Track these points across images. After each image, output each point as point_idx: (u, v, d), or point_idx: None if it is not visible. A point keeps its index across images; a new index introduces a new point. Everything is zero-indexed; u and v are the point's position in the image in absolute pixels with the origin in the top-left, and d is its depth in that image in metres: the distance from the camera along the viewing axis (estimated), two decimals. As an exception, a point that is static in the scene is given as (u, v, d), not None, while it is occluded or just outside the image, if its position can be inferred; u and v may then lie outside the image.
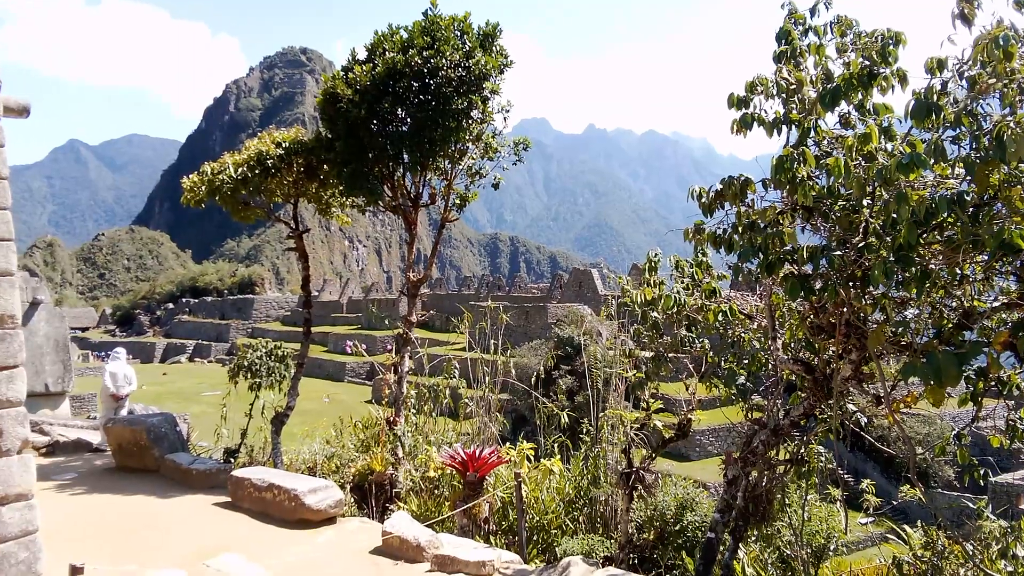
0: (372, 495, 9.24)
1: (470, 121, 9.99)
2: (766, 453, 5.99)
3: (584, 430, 9.49)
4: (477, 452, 8.00)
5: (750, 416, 6.39)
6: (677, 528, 7.80)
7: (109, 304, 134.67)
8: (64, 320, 16.41)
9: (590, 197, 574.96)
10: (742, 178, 4.80)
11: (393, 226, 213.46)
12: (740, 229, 4.85)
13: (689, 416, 7.22)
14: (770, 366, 6.28)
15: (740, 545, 6.75)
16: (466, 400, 10.70)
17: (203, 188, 10.54)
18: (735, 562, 6.83)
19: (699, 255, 6.11)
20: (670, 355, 6.70)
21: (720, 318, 5.90)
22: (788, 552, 7.69)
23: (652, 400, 7.48)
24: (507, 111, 10.46)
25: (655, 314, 6.24)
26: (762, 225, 4.70)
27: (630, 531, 7.63)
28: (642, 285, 6.27)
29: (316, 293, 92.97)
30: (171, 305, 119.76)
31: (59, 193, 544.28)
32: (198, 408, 40.90)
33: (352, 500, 9.22)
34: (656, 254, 6.32)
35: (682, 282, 6.25)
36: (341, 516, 7.98)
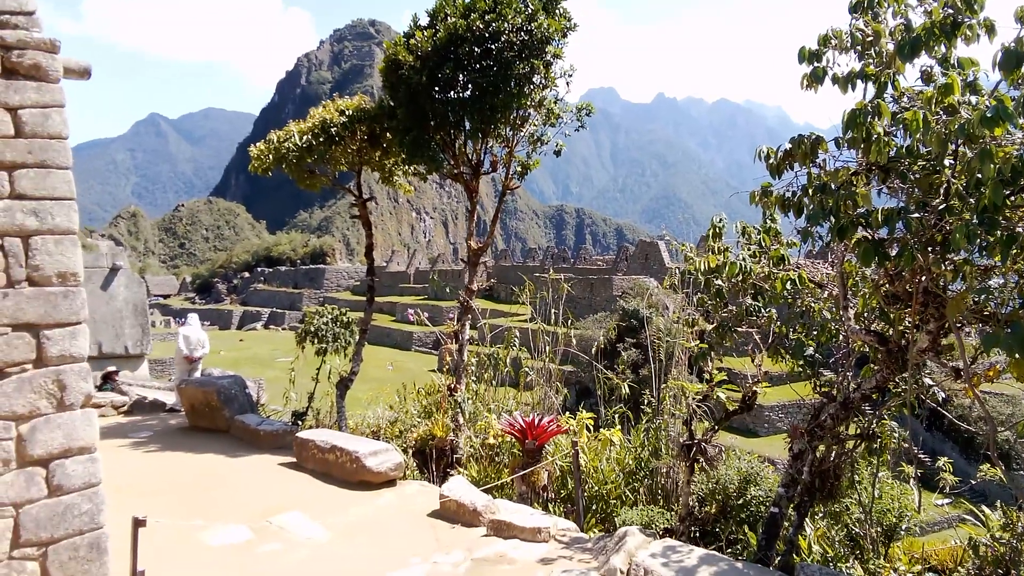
0: (433, 460, 9.34)
1: (532, 86, 9.83)
2: (835, 427, 5.76)
3: (646, 402, 9.35)
4: (536, 420, 7.97)
5: (819, 389, 6.15)
6: (740, 502, 7.62)
7: (189, 272, 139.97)
8: (142, 285, 17.04)
9: (658, 168, 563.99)
10: (812, 136, 4.54)
11: (459, 198, 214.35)
12: (810, 191, 4.60)
13: (754, 389, 7.01)
14: (841, 337, 6.02)
15: (805, 521, 6.55)
16: (526, 369, 10.68)
17: (270, 156, 10.71)
18: (800, 538, 6.64)
19: (767, 220, 5.85)
20: (735, 326, 6.48)
21: (788, 286, 5.65)
22: (857, 530, 7.44)
23: (717, 372, 7.28)
24: (570, 76, 10.25)
25: (719, 282, 6.04)
26: (834, 187, 4.44)
27: (691, 504, 7.50)
28: (706, 252, 6.06)
29: (384, 264, 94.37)
30: (247, 274, 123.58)
31: (141, 165, 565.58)
32: (272, 373, 42.16)
33: (414, 464, 9.35)
34: (721, 219, 6.08)
35: (749, 249, 6.01)
36: (401, 479, 8.10)
